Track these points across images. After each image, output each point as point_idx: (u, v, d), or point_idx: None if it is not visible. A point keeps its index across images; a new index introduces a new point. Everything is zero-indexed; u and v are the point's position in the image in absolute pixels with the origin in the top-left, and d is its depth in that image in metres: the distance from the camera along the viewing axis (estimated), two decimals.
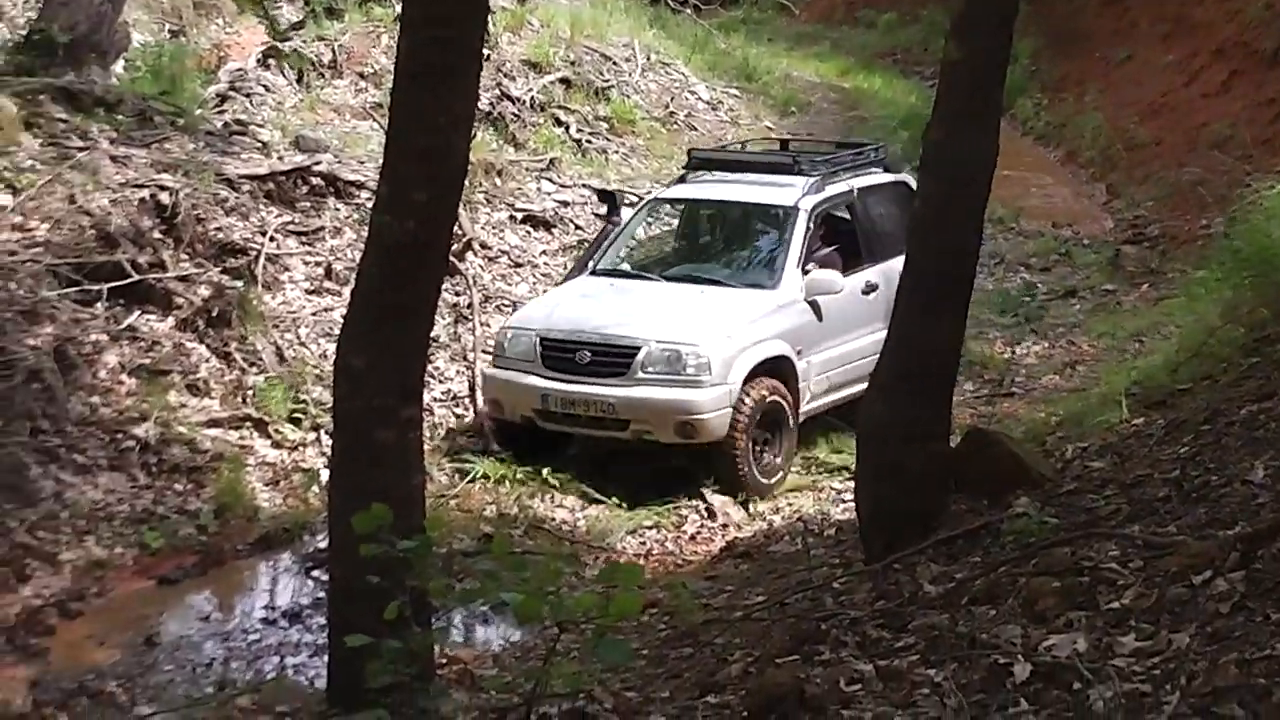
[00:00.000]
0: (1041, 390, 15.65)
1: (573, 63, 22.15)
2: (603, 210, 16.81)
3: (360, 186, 17.37)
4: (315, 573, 12.75)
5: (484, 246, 17.64)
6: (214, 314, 14.93)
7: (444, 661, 7.22)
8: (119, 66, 18.37)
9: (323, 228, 16.92)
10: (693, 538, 13.32)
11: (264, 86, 19.85)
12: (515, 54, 20.98)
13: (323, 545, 12.80)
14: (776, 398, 13.24)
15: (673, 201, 16.14)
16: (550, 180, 19.11)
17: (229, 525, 13.43)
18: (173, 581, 12.79)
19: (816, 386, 13.91)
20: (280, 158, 17.57)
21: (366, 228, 15.34)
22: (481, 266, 17.35)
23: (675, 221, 16.23)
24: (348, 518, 6.06)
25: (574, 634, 6.62)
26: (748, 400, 12.88)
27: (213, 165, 16.51)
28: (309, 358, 15.39)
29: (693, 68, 24.39)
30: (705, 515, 13.54)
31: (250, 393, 14.70)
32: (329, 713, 7.05)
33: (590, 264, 15.35)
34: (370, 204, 15.91)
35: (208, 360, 14.82)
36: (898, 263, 13.51)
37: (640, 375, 12.93)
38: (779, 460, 13.50)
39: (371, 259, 7.01)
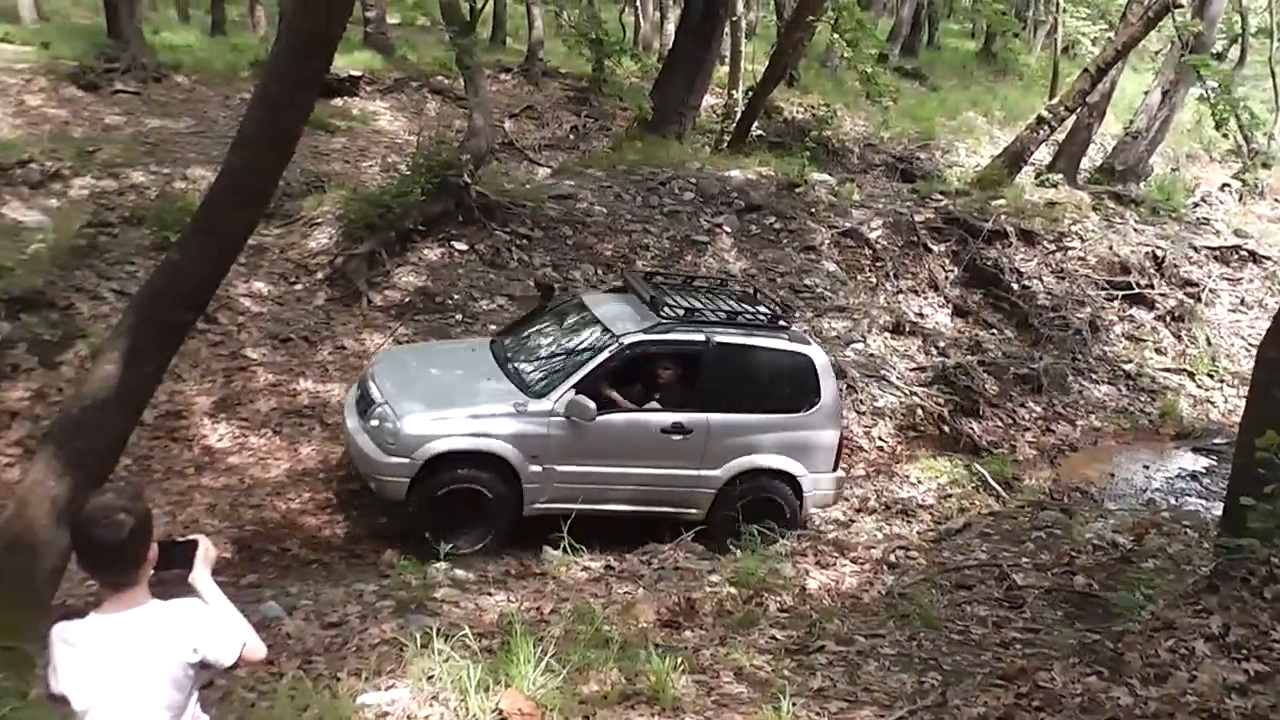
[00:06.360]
0: None
1: None
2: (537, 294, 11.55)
3: (1265, 258, 17.01)
4: (1202, 457, 12.91)
5: None
6: (1175, 315, 15.54)
7: None
8: (1142, 185, 18.80)
9: (1242, 278, 16.69)
10: None
11: (1220, 200, 19.64)
12: None
13: (1215, 442, 13.14)
14: (474, 486, 8.78)
15: (571, 302, 10.64)
16: None
17: (1163, 423, 13.94)
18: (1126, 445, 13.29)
19: (556, 492, 8.97)
20: (1225, 239, 17.36)
21: (1268, 281, 15.78)
22: None
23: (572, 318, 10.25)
24: (1251, 436, 6.08)
25: None
26: (431, 479, 8.65)
27: (1185, 239, 16.89)
28: (1223, 345, 15.48)
29: None
30: None
31: (1187, 357, 15.14)
32: (1218, 536, 6.59)
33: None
34: (1270, 269, 16.33)
35: (1168, 339, 15.30)
36: (738, 418, 9.52)
37: (368, 425, 8.88)
38: (473, 544, 8.73)
39: None
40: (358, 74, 19.15)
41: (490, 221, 13.80)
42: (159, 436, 10.04)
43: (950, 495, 11.07)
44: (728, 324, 9.66)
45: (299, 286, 12.60)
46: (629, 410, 9.30)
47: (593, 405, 8.88)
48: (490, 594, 7.51)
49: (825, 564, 8.33)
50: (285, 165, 6.73)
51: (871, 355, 13.37)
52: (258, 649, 3.39)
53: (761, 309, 10.15)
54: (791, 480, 9.73)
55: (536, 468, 8.93)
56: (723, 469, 9.53)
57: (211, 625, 3.29)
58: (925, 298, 14.73)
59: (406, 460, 8.62)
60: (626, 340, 9.28)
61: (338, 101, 18.32)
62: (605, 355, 9.21)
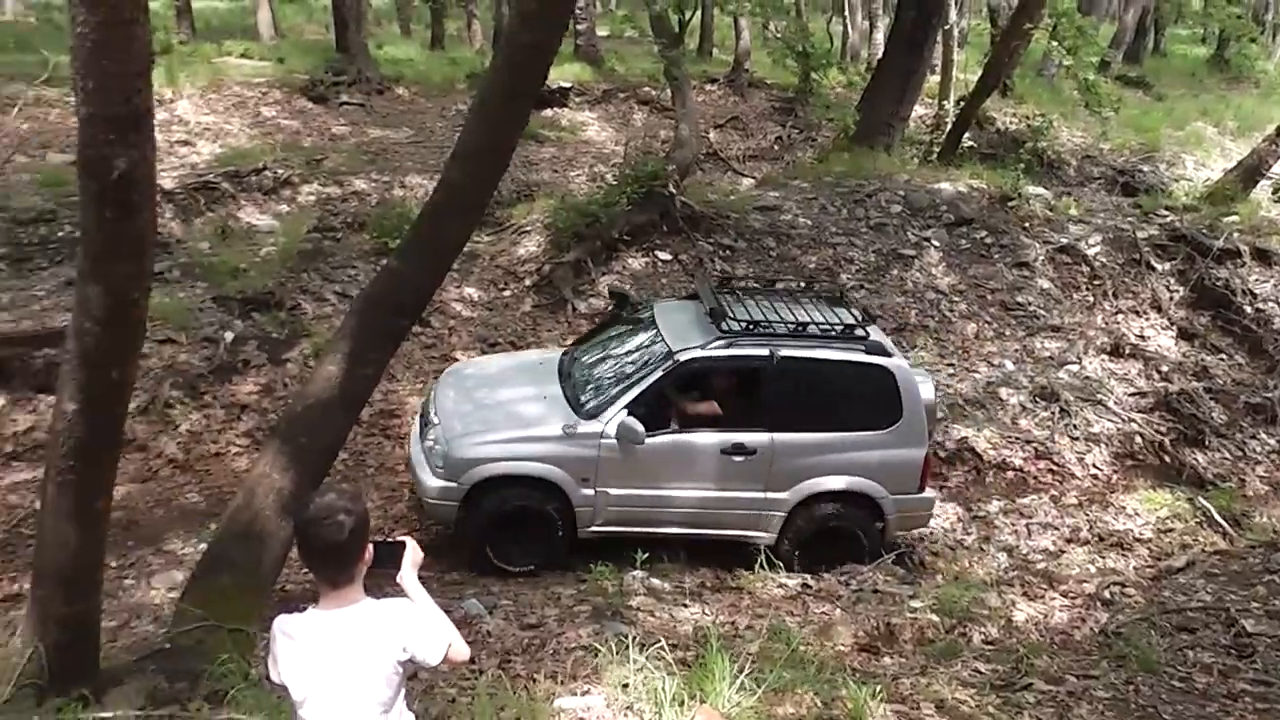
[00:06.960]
0: None
1: None
2: (611, 304, 11.11)
3: None
4: None
5: None
6: None
7: None
8: None
9: None
10: None
11: None
12: None
13: None
14: (525, 508, 8.44)
15: (643, 311, 10.03)
16: None
17: None
18: None
19: (611, 514, 8.59)
20: None
21: None
22: None
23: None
24: None
25: None
26: (481, 502, 8.39)
27: None
28: None
29: None
30: None
31: None
32: None
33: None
34: None
35: None
36: (807, 437, 8.86)
37: (425, 444, 8.69)
38: (528, 565, 8.45)
39: None
40: (568, 85, 19.68)
41: (694, 232, 13.90)
42: (373, 434, 10.47)
43: (1171, 530, 10.55)
44: (795, 336, 8.92)
45: (507, 293, 12.99)
46: (684, 431, 8.78)
47: (641, 429, 8.41)
48: (685, 605, 7.54)
49: (1033, 596, 8.05)
50: (501, 176, 6.88)
51: (1087, 378, 12.93)
52: (462, 650, 3.47)
53: (848, 315, 9.38)
54: (871, 503, 9.04)
55: (588, 490, 8.56)
56: (791, 491, 8.91)
57: (420, 626, 3.37)
58: (1147, 319, 14.12)
59: (455, 484, 8.42)
60: (682, 358, 8.72)
61: (548, 112, 18.84)
62: (659, 374, 8.70)
